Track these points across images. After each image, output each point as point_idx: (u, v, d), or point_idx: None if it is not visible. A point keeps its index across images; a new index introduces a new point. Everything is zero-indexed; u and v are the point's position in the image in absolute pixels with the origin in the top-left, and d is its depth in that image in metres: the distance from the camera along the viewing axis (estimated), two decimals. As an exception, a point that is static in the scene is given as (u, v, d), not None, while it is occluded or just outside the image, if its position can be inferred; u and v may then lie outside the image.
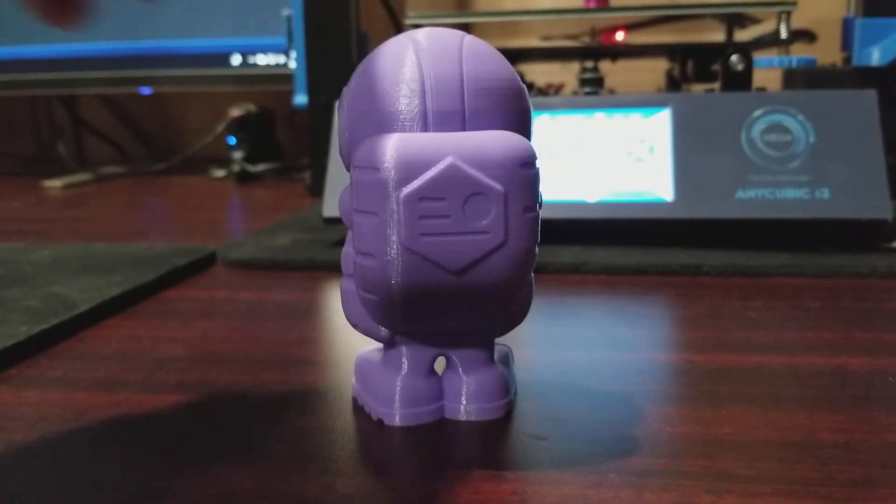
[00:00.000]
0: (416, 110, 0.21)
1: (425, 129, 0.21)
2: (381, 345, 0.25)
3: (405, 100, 0.21)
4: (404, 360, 0.24)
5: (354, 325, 0.24)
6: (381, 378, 0.24)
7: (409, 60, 0.21)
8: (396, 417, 0.23)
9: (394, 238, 0.21)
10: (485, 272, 0.21)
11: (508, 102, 0.22)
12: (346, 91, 0.23)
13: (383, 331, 0.24)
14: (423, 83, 0.21)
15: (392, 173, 0.20)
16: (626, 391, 0.26)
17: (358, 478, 0.21)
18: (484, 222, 0.21)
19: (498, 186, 0.21)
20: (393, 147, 0.20)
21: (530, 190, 0.21)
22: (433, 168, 0.20)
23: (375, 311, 0.23)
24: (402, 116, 0.21)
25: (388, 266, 0.21)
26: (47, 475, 0.21)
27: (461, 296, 0.22)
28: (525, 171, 0.21)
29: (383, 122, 0.21)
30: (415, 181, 0.20)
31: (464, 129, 0.21)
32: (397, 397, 0.23)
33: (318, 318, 0.36)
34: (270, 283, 0.41)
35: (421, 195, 0.20)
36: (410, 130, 0.21)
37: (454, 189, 0.20)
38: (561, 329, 0.33)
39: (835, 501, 0.19)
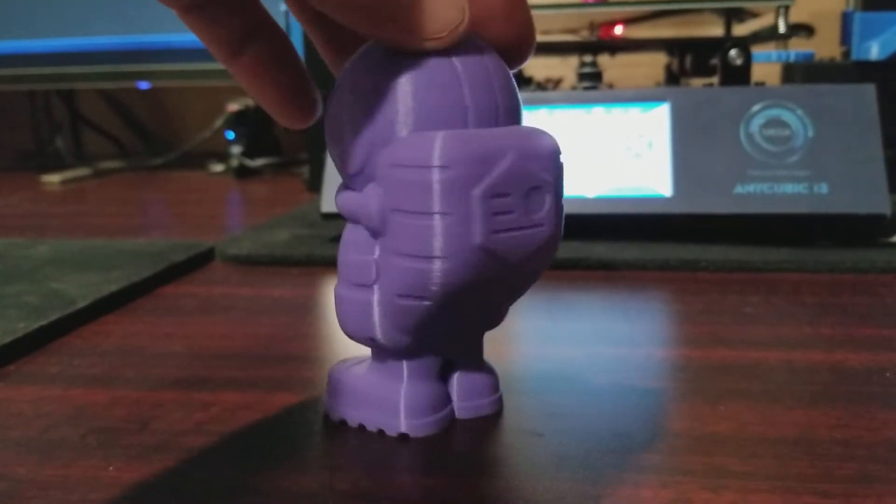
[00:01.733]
0: (456, 106, 0.20)
1: (465, 125, 0.20)
2: (358, 356, 0.24)
3: (443, 95, 0.20)
4: (410, 367, 0.23)
5: (351, 335, 0.23)
6: (396, 388, 0.23)
7: (439, 54, 0.20)
8: (418, 429, 0.22)
9: (461, 237, 0.20)
10: (533, 263, 0.21)
11: (517, 97, 0.22)
12: (356, 89, 0.21)
13: (392, 339, 0.22)
14: (458, 77, 0.20)
15: (461, 170, 0.19)
16: (623, 387, 0.26)
17: (356, 474, 0.21)
18: (539, 215, 0.21)
19: (550, 178, 0.21)
20: (456, 144, 0.19)
21: (562, 180, 0.22)
22: (500, 164, 0.20)
23: (406, 318, 0.21)
24: (442, 113, 0.20)
25: (453, 266, 0.20)
26: (46, 472, 0.21)
27: (503, 290, 0.22)
28: (560, 162, 0.21)
29: (420, 120, 0.20)
30: (486, 178, 0.20)
31: (497, 125, 0.21)
32: (422, 405, 0.23)
33: (317, 313, 0.36)
34: (269, 279, 0.41)
35: (494, 192, 0.20)
36: (452, 127, 0.20)
37: (518, 184, 0.20)
38: (558, 324, 0.33)
39: (832, 498, 0.19)
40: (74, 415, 0.25)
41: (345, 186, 0.22)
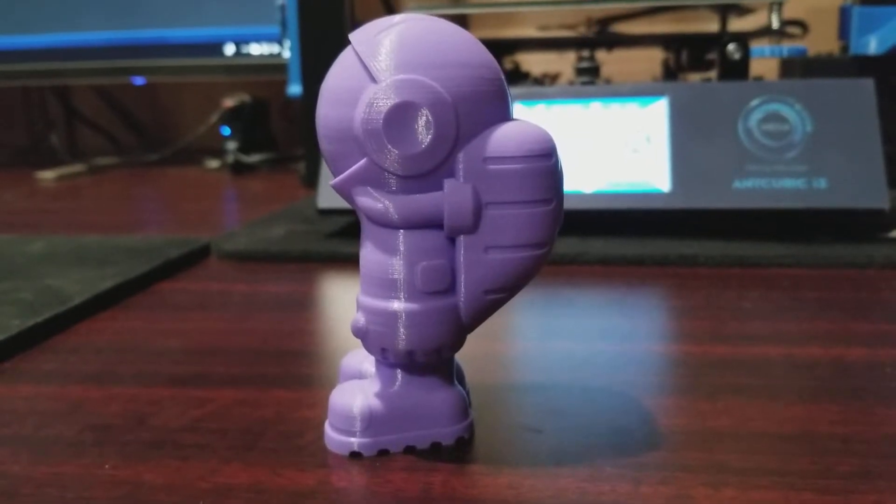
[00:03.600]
0: (510, 94, 0.21)
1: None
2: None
3: (502, 83, 0.20)
4: (447, 371, 0.22)
5: (418, 350, 0.21)
6: (443, 396, 0.22)
7: (480, 45, 0.20)
8: (469, 429, 0.22)
9: (559, 221, 0.21)
10: None
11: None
12: (416, 84, 0.19)
13: (459, 342, 0.22)
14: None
15: (559, 157, 0.20)
16: (622, 383, 0.26)
17: (353, 471, 0.20)
18: None
19: None
20: (547, 132, 0.20)
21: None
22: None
23: (484, 315, 0.21)
24: (511, 103, 0.21)
25: (550, 251, 0.21)
26: (41, 469, 0.21)
27: None
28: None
29: (495, 111, 0.20)
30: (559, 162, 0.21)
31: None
32: (465, 405, 0.22)
33: (313, 309, 0.36)
34: (265, 275, 0.41)
35: None
36: (512, 117, 0.21)
37: None
38: (557, 320, 0.33)
39: (832, 494, 0.19)
40: (70, 412, 0.24)
41: (389, 192, 0.20)
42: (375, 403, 0.21)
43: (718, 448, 0.21)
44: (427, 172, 0.20)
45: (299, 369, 0.28)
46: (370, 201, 0.20)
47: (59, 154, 1.02)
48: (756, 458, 0.21)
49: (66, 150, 1.06)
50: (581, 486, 0.19)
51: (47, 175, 0.86)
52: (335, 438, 0.22)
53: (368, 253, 0.21)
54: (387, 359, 0.21)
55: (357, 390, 0.22)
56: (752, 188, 0.42)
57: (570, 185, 0.45)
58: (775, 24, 0.54)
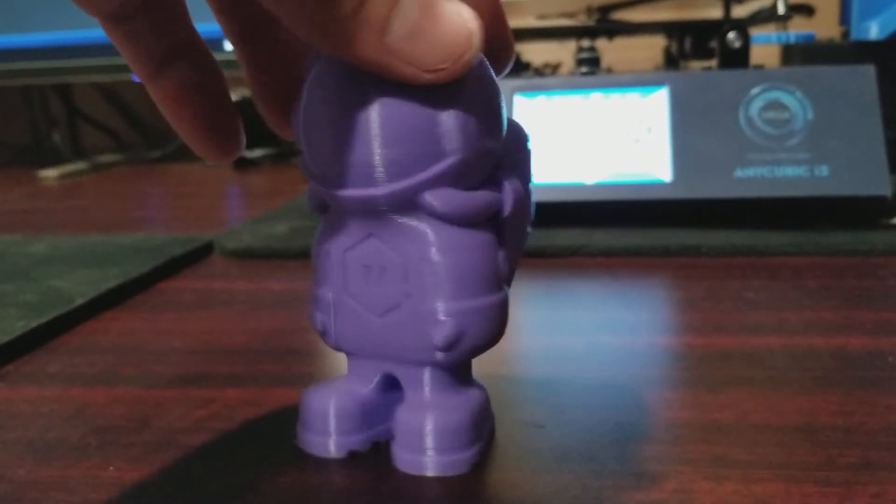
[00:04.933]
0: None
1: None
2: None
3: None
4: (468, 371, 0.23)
5: (481, 351, 0.21)
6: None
7: None
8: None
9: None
10: None
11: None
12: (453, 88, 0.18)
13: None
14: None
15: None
16: (625, 376, 0.26)
17: (356, 471, 0.21)
18: None
19: None
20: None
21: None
22: None
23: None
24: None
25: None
26: (46, 473, 0.21)
27: None
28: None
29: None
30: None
31: None
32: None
33: (316, 306, 0.36)
34: (268, 272, 0.41)
35: None
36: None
37: None
38: (559, 313, 0.33)
39: (834, 486, 0.19)
40: (74, 414, 0.25)
41: (462, 188, 0.19)
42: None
43: (720, 441, 0.21)
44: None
45: (301, 368, 0.28)
46: (457, 200, 0.19)
47: (61, 152, 1.02)
48: (757, 450, 0.21)
49: (69, 149, 1.06)
50: (583, 481, 0.19)
51: (50, 174, 0.86)
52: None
53: (445, 256, 0.20)
54: (459, 358, 0.20)
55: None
56: (754, 177, 0.42)
57: (571, 176, 0.44)
58: (782, 9, 0.53)
